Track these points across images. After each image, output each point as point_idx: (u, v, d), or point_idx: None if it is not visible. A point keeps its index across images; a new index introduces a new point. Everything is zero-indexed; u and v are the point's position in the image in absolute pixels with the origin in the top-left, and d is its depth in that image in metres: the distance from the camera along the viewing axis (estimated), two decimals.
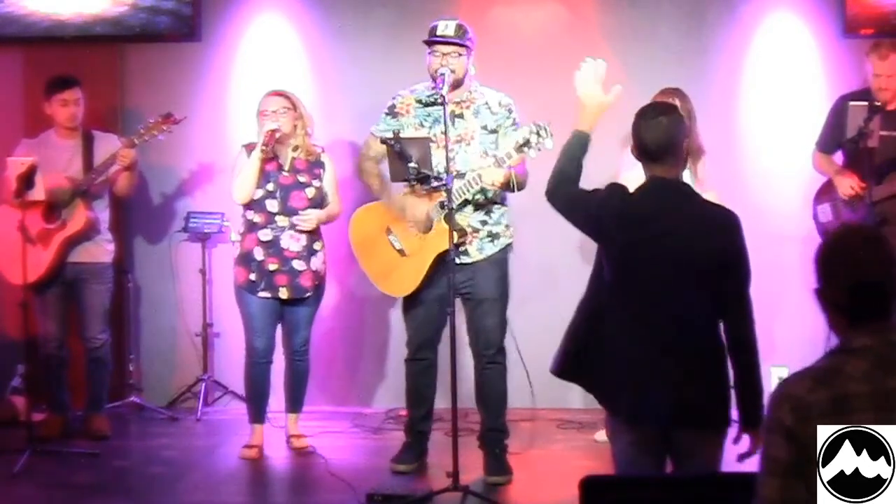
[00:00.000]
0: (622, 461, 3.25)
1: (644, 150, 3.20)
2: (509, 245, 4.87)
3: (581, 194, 3.39)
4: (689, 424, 3.14)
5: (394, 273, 4.86)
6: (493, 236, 4.81)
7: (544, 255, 6.17)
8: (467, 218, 4.74)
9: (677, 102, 5.02)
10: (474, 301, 4.80)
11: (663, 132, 3.17)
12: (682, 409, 3.11)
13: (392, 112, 4.88)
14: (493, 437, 4.88)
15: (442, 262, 4.68)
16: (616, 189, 3.28)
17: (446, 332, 4.85)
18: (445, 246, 4.58)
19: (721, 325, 3.17)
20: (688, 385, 3.10)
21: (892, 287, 2.26)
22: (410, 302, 4.90)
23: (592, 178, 3.45)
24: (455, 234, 4.59)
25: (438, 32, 4.71)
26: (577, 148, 3.40)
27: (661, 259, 3.12)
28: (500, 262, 4.84)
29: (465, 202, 4.69)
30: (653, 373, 3.11)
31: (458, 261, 4.65)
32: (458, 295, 4.75)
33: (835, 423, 2.15)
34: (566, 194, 3.38)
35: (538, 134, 4.54)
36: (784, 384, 2.25)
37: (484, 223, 4.79)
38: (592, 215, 3.28)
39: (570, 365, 3.32)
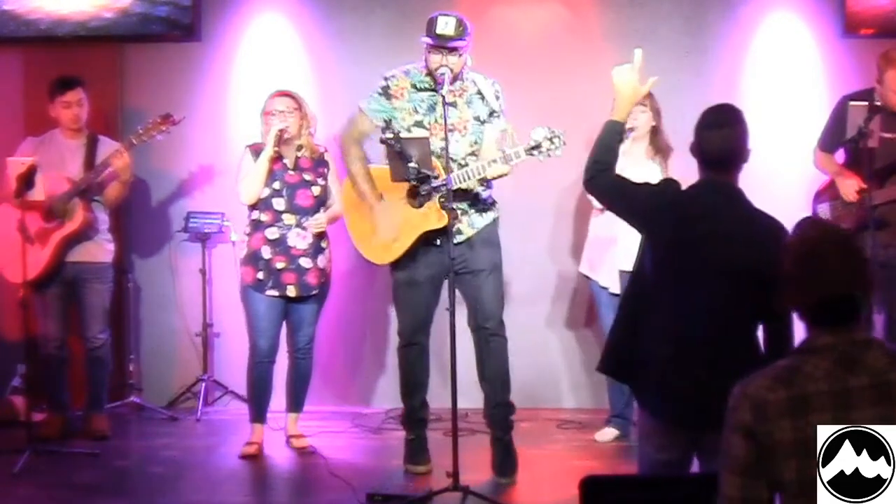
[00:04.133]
0: (647, 461, 3.22)
1: (704, 158, 3.19)
2: (497, 219, 4.89)
3: (628, 184, 3.38)
4: (718, 429, 3.11)
5: (376, 239, 4.84)
6: (481, 211, 4.83)
7: (553, 254, 6.18)
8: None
9: (647, 103, 5.22)
10: (471, 274, 4.76)
11: (728, 144, 3.17)
12: (712, 413, 3.08)
13: (385, 93, 4.84)
14: (500, 414, 4.82)
15: (432, 243, 4.72)
16: (670, 184, 3.29)
17: (437, 315, 4.87)
18: (431, 226, 4.64)
19: (760, 331, 3.13)
20: (719, 389, 3.07)
21: (862, 296, 2.24)
22: (402, 285, 4.87)
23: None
24: (446, 215, 4.55)
25: (438, 30, 4.68)
26: (611, 136, 3.40)
27: (705, 260, 3.09)
28: (491, 233, 4.85)
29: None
30: (686, 374, 3.08)
31: (438, 241, 4.70)
32: (453, 272, 4.75)
33: (792, 422, 2.16)
34: (608, 182, 3.36)
35: (551, 140, 4.56)
36: (744, 384, 2.25)
37: (472, 205, 4.80)
38: (642, 207, 3.26)
39: (613, 362, 3.31)
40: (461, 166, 4.68)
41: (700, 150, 3.20)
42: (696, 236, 3.11)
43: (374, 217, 4.80)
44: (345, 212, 5.03)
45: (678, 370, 3.10)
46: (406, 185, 4.74)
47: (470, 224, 4.80)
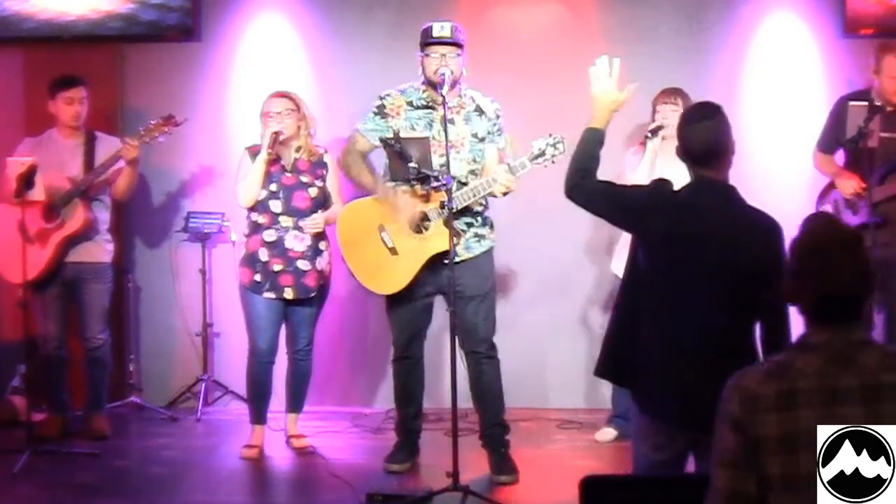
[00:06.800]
0: (644, 461, 3.20)
1: (689, 154, 3.19)
2: (493, 247, 4.91)
3: (616, 187, 3.38)
4: (712, 430, 3.10)
5: (383, 271, 4.84)
6: (479, 237, 4.84)
7: (554, 256, 6.17)
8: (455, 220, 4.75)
9: (679, 102, 5.12)
10: (464, 299, 4.77)
11: (709, 136, 3.17)
12: (707, 414, 3.07)
13: (381, 112, 4.85)
14: (496, 434, 4.86)
15: (429, 262, 4.72)
16: (663, 184, 3.27)
17: (430, 330, 4.92)
18: (443, 247, 4.60)
19: (756, 330, 3.12)
20: (715, 389, 3.06)
21: (864, 294, 2.23)
22: (396, 301, 4.90)
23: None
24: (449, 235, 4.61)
25: (435, 34, 4.71)
26: (592, 144, 3.40)
27: (700, 259, 3.09)
28: (485, 260, 4.87)
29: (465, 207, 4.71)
30: (684, 374, 3.07)
31: (445, 260, 4.69)
32: (444, 293, 4.76)
33: (780, 417, 2.15)
34: (593, 188, 3.35)
35: (554, 146, 4.59)
36: (737, 376, 2.25)
37: (470, 225, 4.81)
38: (635, 207, 3.24)
39: (611, 365, 3.29)
40: (461, 184, 4.68)
41: (687, 147, 3.20)
42: (691, 235, 3.11)
43: (377, 239, 4.82)
44: (343, 248, 4.96)
45: (676, 371, 3.09)
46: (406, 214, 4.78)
47: (466, 247, 4.80)
